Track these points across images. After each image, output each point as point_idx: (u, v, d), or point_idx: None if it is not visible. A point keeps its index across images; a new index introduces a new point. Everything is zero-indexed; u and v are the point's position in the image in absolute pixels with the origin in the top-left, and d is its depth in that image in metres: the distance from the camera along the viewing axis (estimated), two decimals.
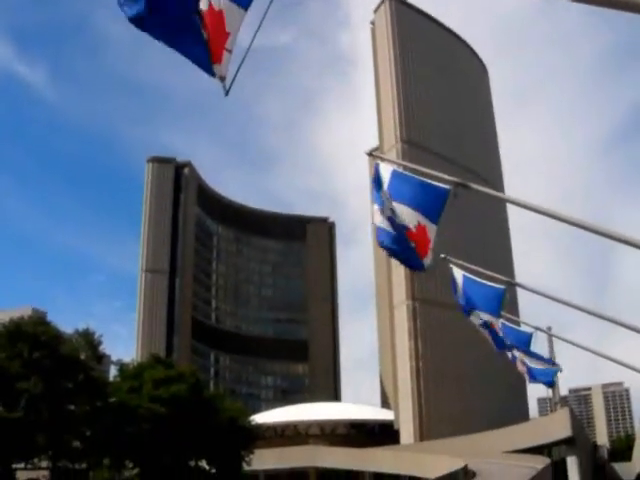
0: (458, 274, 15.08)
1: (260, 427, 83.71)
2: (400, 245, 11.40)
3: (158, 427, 60.35)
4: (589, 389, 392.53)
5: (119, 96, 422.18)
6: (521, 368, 18.35)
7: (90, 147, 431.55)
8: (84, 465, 63.20)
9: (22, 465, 62.51)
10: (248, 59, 7.62)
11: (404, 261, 12.17)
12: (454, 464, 66.42)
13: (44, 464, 62.26)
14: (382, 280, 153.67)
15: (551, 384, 18.20)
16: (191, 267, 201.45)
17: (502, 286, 14.96)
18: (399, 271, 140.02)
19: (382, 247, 11.79)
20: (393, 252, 11.80)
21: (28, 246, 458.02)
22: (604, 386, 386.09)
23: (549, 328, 22.76)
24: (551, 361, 18.09)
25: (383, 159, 11.81)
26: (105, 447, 59.11)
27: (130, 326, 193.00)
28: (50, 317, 62.42)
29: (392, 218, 11.13)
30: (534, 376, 18.32)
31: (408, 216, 10.98)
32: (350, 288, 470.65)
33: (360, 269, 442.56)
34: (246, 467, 75.58)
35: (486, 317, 15.24)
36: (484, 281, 15.06)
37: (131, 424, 60.45)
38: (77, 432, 57.94)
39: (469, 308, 15.25)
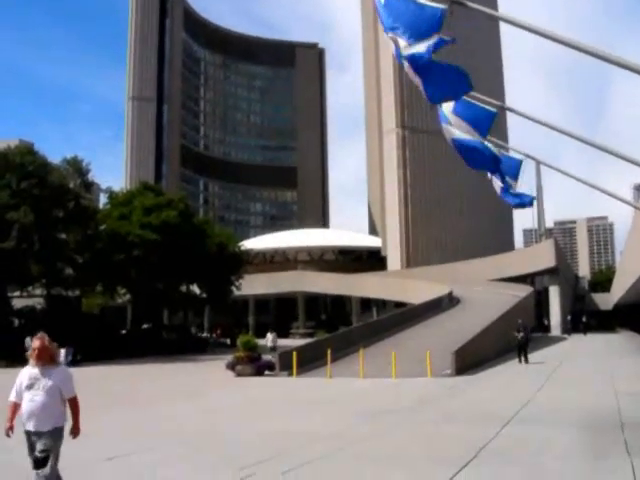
0: None
1: (249, 253, 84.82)
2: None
3: (149, 253, 61.01)
4: (574, 222, 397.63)
5: None
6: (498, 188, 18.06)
7: None
8: (77, 292, 64.24)
9: (17, 294, 63.61)
10: None
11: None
12: (439, 290, 67.96)
13: (38, 292, 63.31)
14: (372, 107, 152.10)
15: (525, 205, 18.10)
16: (178, 94, 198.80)
17: (494, 109, 14.74)
18: (389, 98, 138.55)
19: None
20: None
21: (14, 77, 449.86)
22: (589, 220, 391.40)
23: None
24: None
25: None
26: (97, 274, 59.92)
27: (119, 156, 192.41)
28: (38, 149, 61.51)
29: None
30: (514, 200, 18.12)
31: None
32: (340, 115, 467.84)
33: (350, 96, 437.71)
34: (236, 292, 77.04)
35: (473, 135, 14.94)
36: (476, 102, 14.78)
37: (122, 251, 61.10)
38: (69, 260, 58.50)
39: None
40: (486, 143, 15.57)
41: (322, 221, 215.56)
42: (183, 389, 30.72)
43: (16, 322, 60.73)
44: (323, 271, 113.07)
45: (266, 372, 36.26)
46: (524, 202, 17.85)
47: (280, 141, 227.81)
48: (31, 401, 8.60)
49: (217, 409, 22.54)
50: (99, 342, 55.42)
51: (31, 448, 8.66)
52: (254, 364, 36.35)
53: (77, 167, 62.38)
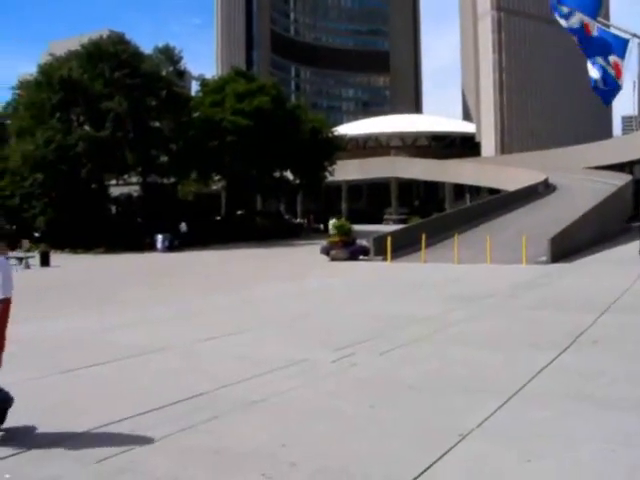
0: None
1: (342, 138, 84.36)
2: None
3: (242, 140, 61.29)
4: None
5: None
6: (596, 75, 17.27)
7: None
8: (172, 179, 65.20)
9: (114, 182, 64.96)
10: None
11: None
12: (535, 177, 66.75)
13: (134, 180, 64.53)
14: None
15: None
16: None
17: None
18: None
19: None
20: None
21: None
22: None
23: None
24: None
25: None
26: (191, 161, 60.59)
27: (208, 44, 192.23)
28: (129, 39, 61.74)
29: None
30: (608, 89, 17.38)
31: None
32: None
33: None
34: (329, 177, 77.19)
35: (580, 17, 14.27)
36: None
37: (215, 138, 61.56)
38: (163, 148, 59.27)
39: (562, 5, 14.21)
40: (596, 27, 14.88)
41: (415, 106, 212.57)
42: (278, 273, 31.22)
43: (113, 209, 62.32)
44: (416, 157, 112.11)
45: (360, 257, 36.52)
46: (612, 91, 17.16)
47: (372, 25, 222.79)
48: None
49: (312, 292, 22.83)
50: (194, 228, 56.55)
51: None
52: (348, 248, 36.65)
53: (169, 55, 62.70)
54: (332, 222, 55.29)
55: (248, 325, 15.14)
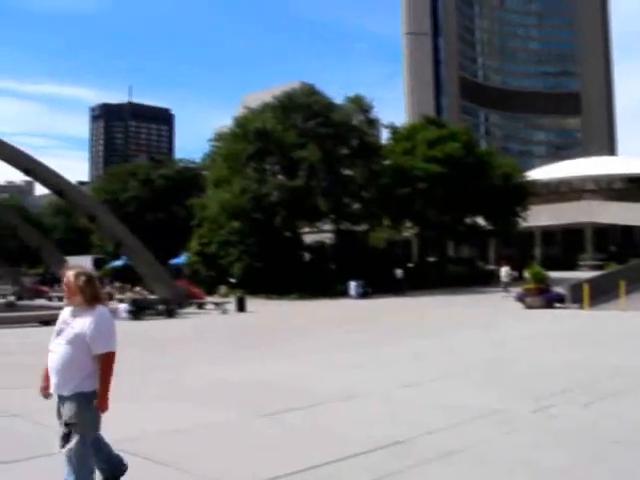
0: None
1: (534, 183, 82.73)
2: None
3: (433, 186, 61.29)
4: None
5: None
6: None
7: None
8: (364, 226, 65.88)
9: (307, 229, 66.44)
10: None
11: None
12: None
13: (327, 227, 65.68)
14: None
15: None
16: (453, 25, 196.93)
17: None
18: None
19: None
20: None
21: (289, 24, 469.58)
22: None
23: None
24: None
25: None
26: (383, 208, 61.15)
27: (398, 91, 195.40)
28: (319, 89, 63.55)
29: None
30: None
31: None
32: (626, 34, 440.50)
33: (636, 10, 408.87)
34: (522, 223, 75.84)
35: None
36: None
37: (407, 185, 61.89)
38: (355, 196, 60.25)
39: None
40: None
41: (609, 148, 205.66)
42: (472, 320, 30.97)
43: (306, 256, 63.60)
44: (611, 201, 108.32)
45: (556, 304, 35.64)
46: None
47: (561, 66, 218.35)
48: (52, 352, 6.17)
49: (508, 340, 22.46)
50: (387, 275, 56.84)
51: (59, 415, 6.25)
52: (544, 296, 35.88)
53: (360, 105, 63.66)
54: (505, 269, 54.16)
55: (445, 372, 15.10)
